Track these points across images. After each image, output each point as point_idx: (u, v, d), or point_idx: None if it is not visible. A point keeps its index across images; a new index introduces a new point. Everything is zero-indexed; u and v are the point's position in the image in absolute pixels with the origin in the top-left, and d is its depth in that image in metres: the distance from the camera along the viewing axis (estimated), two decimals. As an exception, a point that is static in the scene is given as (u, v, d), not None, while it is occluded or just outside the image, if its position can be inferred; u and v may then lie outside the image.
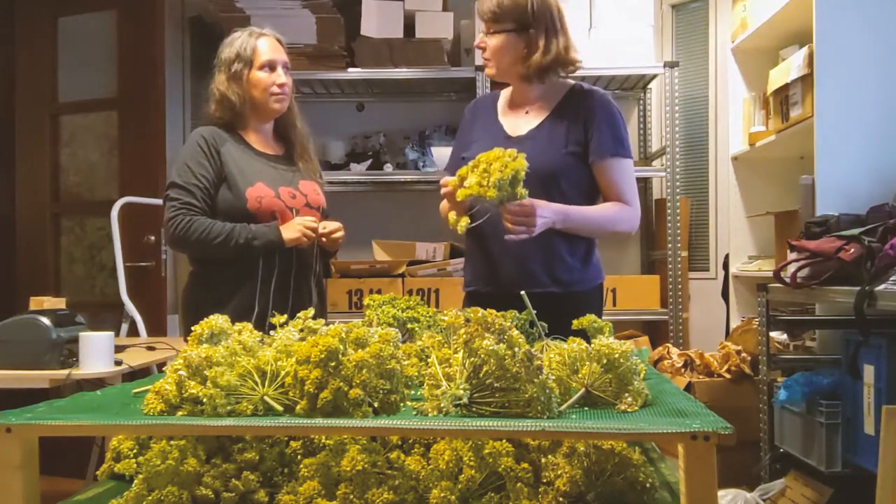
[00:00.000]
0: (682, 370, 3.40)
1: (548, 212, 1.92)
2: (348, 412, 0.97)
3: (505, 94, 2.24)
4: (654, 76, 3.99)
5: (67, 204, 4.15)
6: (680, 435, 0.89)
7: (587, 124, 2.06)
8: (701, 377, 3.36)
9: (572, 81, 2.17)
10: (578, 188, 2.06)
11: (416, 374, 1.16)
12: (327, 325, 1.14)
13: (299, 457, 1.12)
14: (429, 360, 1.14)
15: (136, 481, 1.09)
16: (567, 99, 2.12)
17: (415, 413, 1.02)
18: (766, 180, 3.70)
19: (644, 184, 4.24)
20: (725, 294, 3.88)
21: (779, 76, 3.10)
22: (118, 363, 2.51)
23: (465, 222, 1.84)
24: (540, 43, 2.05)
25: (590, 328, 1.32)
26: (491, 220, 1.99)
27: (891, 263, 2.15)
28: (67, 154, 4.14)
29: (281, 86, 2.28)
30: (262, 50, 2.29)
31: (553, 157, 2.03)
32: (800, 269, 2.43)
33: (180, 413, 1.02)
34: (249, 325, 1.22)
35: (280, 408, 1.01)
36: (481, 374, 0.99)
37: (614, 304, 3.77)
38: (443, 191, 1.92)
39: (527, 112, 2.15)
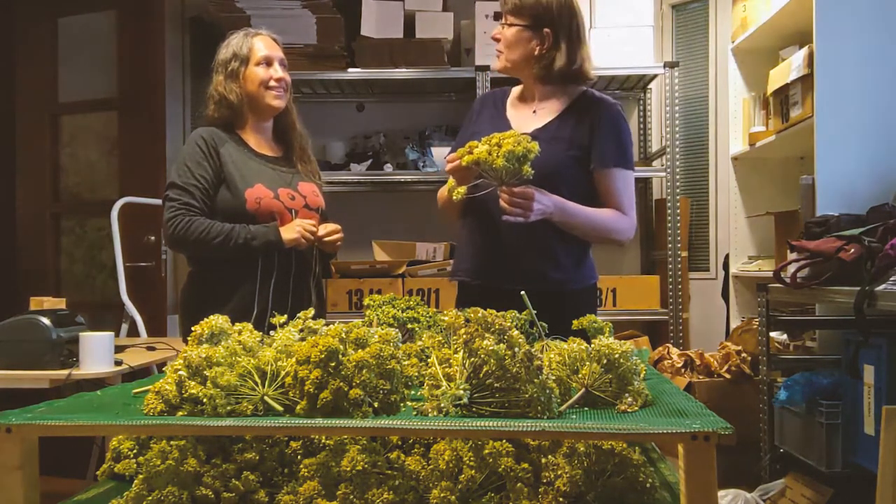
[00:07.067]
0: (682, 370, 3.39)
1: (547, 200, 1.92)
2: (348, 412, 0.97)
3: (516, 90, 2.24)
4: (654, 76, 3.99)
5: (67, 204, 4.15)
6: (680, 435, 0.90)
7: (592, 131, 2.07)
8: (701, 377, 3.35)
9: (584, 87, 2.17)
10: (577, 192, 2.05)
11: (416, 374, 1.16)
12: (327, 325, 1.14)
13: (299, 457, 1.12)
14: (429, 360, 1.14)
15: (136, 481, 1.09)
16: (576, 103, 2.12)
17: (415, 413, 1.02)
18: (766, 180, 3.70)
19: (644, 184, 4.24)
20: (725, 294, 3.88)
21: (779, 76, 3.10)
22: (118, 363, 2.51)
23: (462, 190, 1.86)
24: (551, 45, 2.06)
25: (590, 328, 1.32)
26: (488, 213, 2.00)
27: (891, 263, 2.14)
28: (67, 154, 4.14)
29: (278, 80, 2.28)
30: (258, 47, 2.30)
31: (554, 158, 2.02)
32: (800, 269, 2.43)
33: (180, 413, 1.02)
34: (249, 326, 1.22)
35: (280, 408, 1.01)
36: (481, 375, 0.99)
37: (614, 304, 3.76)
38: (448, 167, 1.91)
39: (535, 112, 2.15)
